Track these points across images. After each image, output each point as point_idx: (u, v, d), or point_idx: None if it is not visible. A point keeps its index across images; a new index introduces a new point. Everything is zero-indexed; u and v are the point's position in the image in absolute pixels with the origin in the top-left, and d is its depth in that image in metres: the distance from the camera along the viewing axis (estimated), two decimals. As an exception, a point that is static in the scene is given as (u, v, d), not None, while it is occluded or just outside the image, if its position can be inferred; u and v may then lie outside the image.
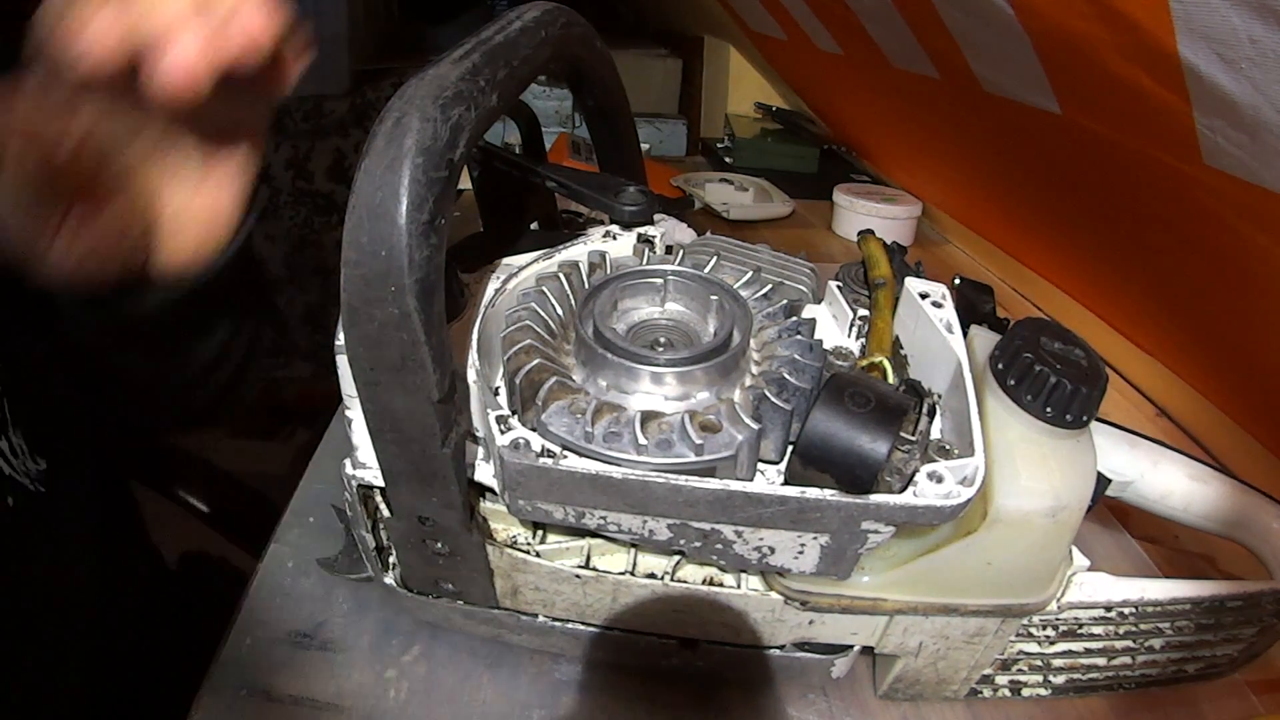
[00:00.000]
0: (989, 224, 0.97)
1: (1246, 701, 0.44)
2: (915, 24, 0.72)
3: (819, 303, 0.44)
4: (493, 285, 0.41)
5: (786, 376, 0.35)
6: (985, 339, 0.40)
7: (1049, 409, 0.35)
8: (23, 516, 0.43)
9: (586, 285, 0.40)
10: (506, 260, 0.44)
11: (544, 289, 0.39)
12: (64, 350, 0.45)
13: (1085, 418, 0.35)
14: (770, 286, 0.41)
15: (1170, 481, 0.43)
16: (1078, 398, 0.34)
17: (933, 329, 0.39)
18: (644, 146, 1.15)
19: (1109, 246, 0.71)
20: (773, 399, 0.34)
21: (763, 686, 0.43)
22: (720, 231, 0.51)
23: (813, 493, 0.31)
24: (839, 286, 0.44)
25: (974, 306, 0.44)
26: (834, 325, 0.43)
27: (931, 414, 0.37)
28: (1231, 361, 0.62)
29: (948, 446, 0.35)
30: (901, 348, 0.41)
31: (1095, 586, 0.38)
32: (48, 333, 0.44)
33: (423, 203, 0.26)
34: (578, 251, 0.44)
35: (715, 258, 0.42)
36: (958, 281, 0.45)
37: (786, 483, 0.33)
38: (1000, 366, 0.36)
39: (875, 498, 0.31)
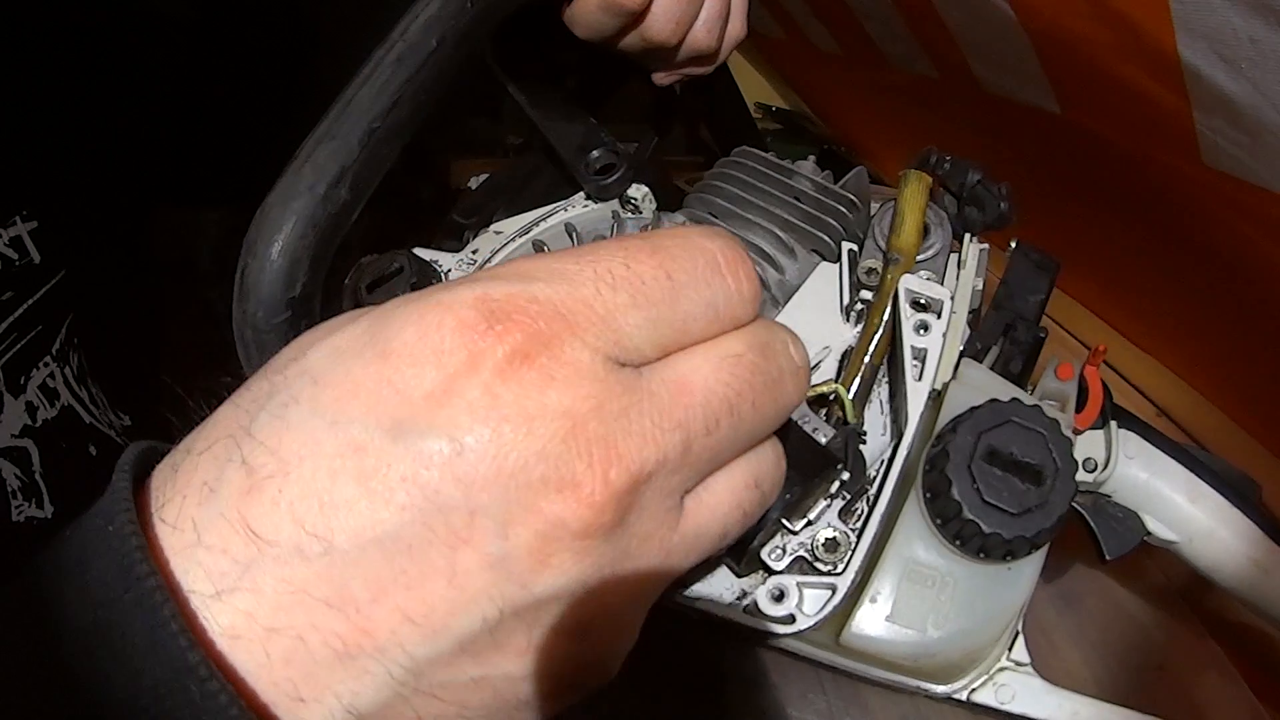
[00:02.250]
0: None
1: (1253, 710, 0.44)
2: (915, 24, 0.72)
3: (836, 261, 0.39)
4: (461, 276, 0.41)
5: None
6: (970, 386, 0.32)
7: (959, 541, 0.29)
8: (109, 467, 0.44)
9: None
10: (495, 228, 0.43)
11: None
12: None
13: (1009, 556, 0.29)
14: None
15: (1223, 558, 0.35)
16: (996, 543, 0.28)
17: (906, 360, 0.32)
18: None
19: (1108, 246, 0.71)
20: None
21: (762, 686, 0.43)
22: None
23: None
24: (852, 251, 0.38)
25: (1011, 299, 0.36)
26: (832, 300, 0.38)
27: (850, 494, 0.31)
28: (1232, 361, 0.62)
29: (837, 539, 0.31)
30: (902, 348, 0.34)
31: (1016, 691, 0.32)
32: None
33: (270, 350, 0.29)
34: (554, 223, 0.43)
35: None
36: (1014, 245, 0.37)
37: None
38: (925, 466, 0.30)
39: (700, 594, 0.30)
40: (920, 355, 0.33)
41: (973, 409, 0.30)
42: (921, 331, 0.33)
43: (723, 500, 0.24)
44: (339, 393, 0.20)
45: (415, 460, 0.19)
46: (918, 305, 0.34)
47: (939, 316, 0.33)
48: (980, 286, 0.38)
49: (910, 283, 0.34)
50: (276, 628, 0.19)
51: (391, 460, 0.19)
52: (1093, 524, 0.36)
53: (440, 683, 0.20)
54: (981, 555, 0.29)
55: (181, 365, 0.55)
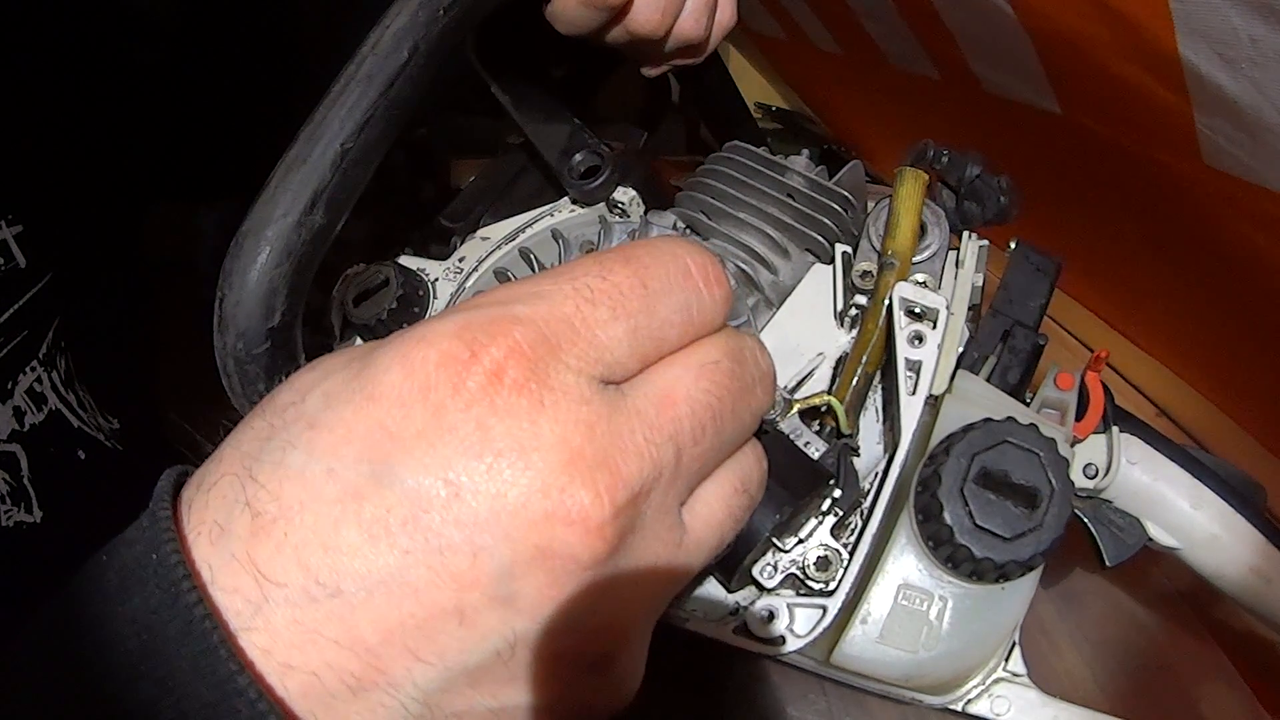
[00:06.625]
0: (989, 224, 0.97)
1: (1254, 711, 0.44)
2: (915, 23, 0.71)
3: (830, 262, 0.38)
4: (449, 288, 0.41)
5: None
6: (967, 400, 0.31)
7: (950, 564, 0.29)
8: (98, 471, 0.44)
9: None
10: (482, 234, 0.43)
11: None
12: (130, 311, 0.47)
13: (1001, 579, 0.29)
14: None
15: (1225, 565, 0.35)
16: (988, 567, 0.28)
17: (900, 371, 0.31)
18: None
19: (1108, 246, 0.71)
20: None
21: (762, 686, 0.43)
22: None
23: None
24: (846, 254, 0.36)
25: (1010, 304, 0.35)
26: (825, 305, 0.37)
27: (842, 510, 0.30)
28: (1232, 361, 0.61)
29: (829, 557, 0.30)
30: (896, 359, 0.33)
31: (1013, 703, 0.32)
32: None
33: (253, 380, 0.29)
34: (541, 229, 0.42)
35: (686, 230, 0.38)
36: (1014, 245, 0.37)
37: None
38: (918, 488, 0.30)
39: (691, 612, 0.30)
40: (915, 367, 0.32)
41: (966, 428, 0.30)
42: (916, 343, 0.32)
43: (715, 509, 0.24)
44: (334, 438, 0.20)
45: (413, 504, 0.19)
46: (913, 314, 0.33)
47: (934, 326, 0.32)
48: (980, 283, 0.38)
49: (905, 291, 0.33)
50: (292, 665, 0.19)
51: (390, 505, 0.19)
52: (1093, 530, 0.36)
53: (456, 713, 0.20)
54: (974, 578, 0.29)
55: (178, 367, 0.55)
